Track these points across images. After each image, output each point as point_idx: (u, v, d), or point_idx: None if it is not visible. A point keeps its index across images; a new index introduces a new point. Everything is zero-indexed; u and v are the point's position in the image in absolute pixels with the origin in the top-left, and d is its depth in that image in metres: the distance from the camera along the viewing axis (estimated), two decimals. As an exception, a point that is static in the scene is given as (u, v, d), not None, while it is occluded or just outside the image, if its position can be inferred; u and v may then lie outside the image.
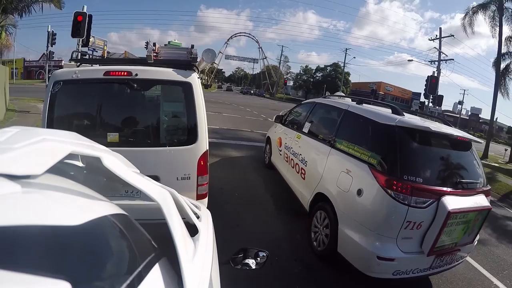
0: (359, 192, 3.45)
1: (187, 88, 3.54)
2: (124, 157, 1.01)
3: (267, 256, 1.80)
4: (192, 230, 1.10)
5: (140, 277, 0.70)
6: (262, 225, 4.91)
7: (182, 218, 1.03)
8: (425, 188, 3.13)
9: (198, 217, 1.22)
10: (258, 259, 1.77)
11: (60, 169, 0.80)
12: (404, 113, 3.81)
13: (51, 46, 16.66)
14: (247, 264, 1.73)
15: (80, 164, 1.04)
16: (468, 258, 4.40)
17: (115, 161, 0.85)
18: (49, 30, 16.37)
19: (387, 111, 3.95)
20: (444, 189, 3.22)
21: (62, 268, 0.52)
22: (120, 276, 0.66)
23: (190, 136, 3.57)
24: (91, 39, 11.40)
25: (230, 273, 1.79)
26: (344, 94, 6.64)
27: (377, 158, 3.45)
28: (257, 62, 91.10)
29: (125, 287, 0.63)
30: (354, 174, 3.66)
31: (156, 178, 3.47)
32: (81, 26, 9.69)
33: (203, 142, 3.59)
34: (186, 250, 0.88)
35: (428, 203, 3.12)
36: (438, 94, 20.44)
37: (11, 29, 20.96)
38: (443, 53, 25.12)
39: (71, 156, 0.84)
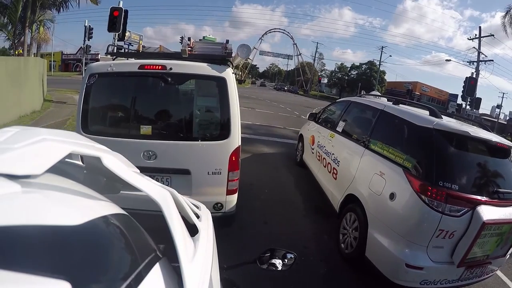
0: (392, 196, 3.33)
1: (221, 83, 3.55)
2: (124, 157, 1.00)
3: (295, 258, 1.76)
4: (192, 230, 1.09)
5: (140, 277, 0.69)
6: (290, 223, 4.88)
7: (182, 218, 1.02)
8: (460, 196, 2.97)
9: (198, 217, 1.21)
10: (286, 260, 1.74)
11: (60, 169, 0.80)
12: (442, 116, 3.63)
13: (88, 40, 17.34)
14: (274, 265, 1.71)
15: (80, 164, 1.04)
16: (499, 272, 4.12)
17: (115, 161, 0.85)
18: (86, 24, 17.06)
19: (424, 113, 3.77)
20: (480, 198, 3.04)
21: (62, 268, 0.52)
22: (120, 276, 0.66)
23: (223, 131, 3.58)
24: (127, 34, 11.72)
25: (255, 270, 1.76)
26: (379, 94, 6.42)
27: (412, 162, 3.31)
28: (292, 59, 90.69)
29: (125, 287, 0.63)
30: (387, 177, 3.54)
31: (187, 172, 3.53)
32: (117, 21, 9.94)
33: (236, 137, 3.60)
34: (186, 250, 0.87)
35: (462, 211, 2.96)
36: (476, 96, 19.40)
37: (49, 24, 22.13)
38: (482, 53, 23.76)
39: (71, 156, 0.85)
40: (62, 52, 58.59)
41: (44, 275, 0.48)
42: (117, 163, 0.85)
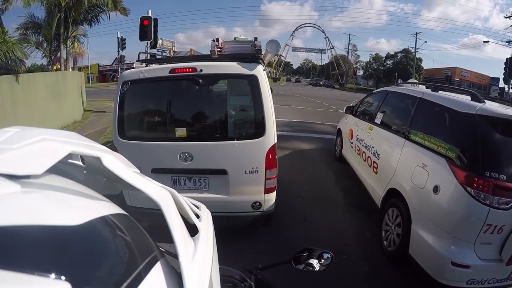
0: (436, 189, 3.13)
1: (253, 81, 3.54)
2: (124, 157, 1.00)
3: (332, 258, 1.70)
4: (192, 230, 1.08)
5: (140, 277, 0.68)
6: (330, 221, 4.77)
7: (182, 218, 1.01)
8: (509, 187, 2.72)
9: (198, 217, 1.19)
10: (322, 260, 1.69)
11: (60, 169, 0.81)
12: (485, 100, 3.36)
13: (122, 50, 18.14)
14: (311, 265, 1.67)
15: (80, 164, 1.05)
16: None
17: (115, 161, 0.84)
18: (119, 36, 17.89)
19: (465, 98, 3.52)
20: None
21: (62, 268, 0.52)
22: (120, 276, 0.65)
23: (258, 129, 3.58)
24: (160, 41, 12.09)
25: (292, 270, 1.72)
26: (417, 81, 6.13)
27: (455, 151, 3.09)
28: (325, 53, 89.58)
29: (125, 287, 0.62)
30: (430, 169, 3.34)
31: (224, 172, 3.56)
32: (147, 30, 10.27)
33: (271, 135, 3.57)
34: (186, 250, 0.86)
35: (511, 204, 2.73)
36: None
37: (82, 39, 23.31)
38: None
39: (71, 156, 0.86)
40: (98, 64, 61.63)
41: (44, 275, 0.48)
42: (117, 163, 0.86)
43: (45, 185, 0.67)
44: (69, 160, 1.03)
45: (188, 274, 0.80)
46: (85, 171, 1.08)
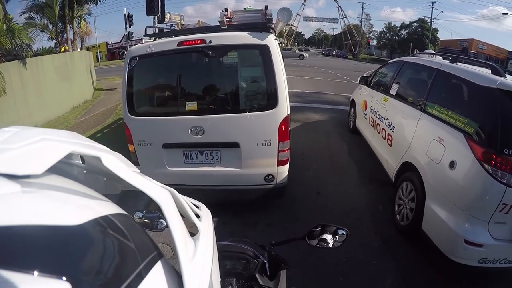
0: (452, 165, 3.07)
1: (264, 51, 3.46)
2: (124, 157, 1.00)
3: (347, 234, 1.69)
4: (192, 230, 1.08)
5: (140, 277, 0.69)
6: (343, 194, 4.79)
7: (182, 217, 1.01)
8: None
9: (198, 217, 1.19)
10: (337, 237, 1.69)
11: (60, 169, 0.81)
12: (506, 75, 3.20)
13: (129, 27, 17.91)
14: (325, 240, 1.66)
15: (80, 164, 1.05)
16: None
17: (115, 161, 0.84)
18: (125, 12, 17.62)
19: (486, 72, 3.35)
20: None
21: (62, 268, 0.52)
22: (120, 276, 0.65)
23: (270, 101, 3.53)
24: (167, 15, 11.91)
25: (305, 246, 1.73)
26: (434, 52, 5.91)
27: (474, 127, 2.99)
28: (337, 22, 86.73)
29: (125, 287, 0.63)
30: (447, 143, 3.27)
31: (236, 144, 3.57)
32: (154, 4, 10.02)
33: (284, 106, 3.52)
34: (186, 250, 0.86)
35: None
36: None
37: (89, 18, 23.17)
38: None
39: (71, 156, 0.87)
40: (106, 42, 61.05)
41: (44, 275, 0.49)
42: (117, 163, 0.85)
43: (45, 185, 0.67)
44: (69, 160, 1.04)
45: (188, 274, 0.81)
46: (85, 171, 1.08)
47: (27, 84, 9.30)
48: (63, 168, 0.92)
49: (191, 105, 3.60)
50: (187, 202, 1.17)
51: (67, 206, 0.67)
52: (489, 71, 3.31)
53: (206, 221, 1.24)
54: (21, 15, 18.14)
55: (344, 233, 1.69)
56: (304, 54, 45.56)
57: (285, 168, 3.83)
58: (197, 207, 1.34)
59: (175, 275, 0.88)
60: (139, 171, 1.01)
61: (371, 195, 4.78)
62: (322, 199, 4.61)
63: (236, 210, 4.11)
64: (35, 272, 0.48)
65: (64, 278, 0.50)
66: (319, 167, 5.70)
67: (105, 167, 0.81)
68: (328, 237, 1.67)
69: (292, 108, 3.87)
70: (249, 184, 3.82)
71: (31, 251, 0.52)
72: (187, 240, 0.94)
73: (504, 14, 36.40)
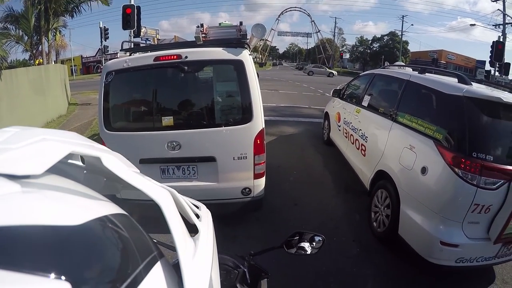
0: (424, 170, 3.18)
1: (239, 66, 3.50)
2: (124, 157, 0.99)
3: (323, 241, 1.72)
4: (192, 230, 1.08)
5: (140, 277, 0.69)
6: (320, 204, 4.83)
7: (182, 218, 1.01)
8: (496, 167, 2.78)
9: (198, 217, 1.19)
10: (314, 243, 1.70)
11: (60, 169, 0.81)
12: (472, 83, 3.40)
13: (105, 40, 17.90)
14: (303, 248, 1.68)
15: (80, 164, 1.04)
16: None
17: (115, 161, 0.84)
18: (101, 26, 17.62)
19: (452, 81, 3.54)
20: None
21: (62, 268, 0.52)
22: (120, 276, 0.65)
23: (245, 115, 3.55)
24: (143, 30, 12.03)
25: (284, 255, 1.74)
26: (404, 64, 6.16)
27: (443, 133, 3.13)
28: (311, 37, 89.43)
29: (125, 287, 0.63)
30: (418, 151, 3.39)
31: (212, 159, 3.55)
32: (130, 18, 10.08)
33: (259, 120, 3.56)
34: (186, 250, 0.86)
35: (498, 184, 2.78)
36: (505, 61, 18.24)
37: (64, 30, 22.91)
38: (507, 15, 22.30)
39: (71, 156, 0.87)
40: (81, 56, 60.00)
41: (44, 275, 0.49)
42: (117, 163, 0.85)
43: (45, 185, 0.67)
44: (69, 160, 1.03)
45: (188, 274, 0.81)
46: (85, 171, 1.09)
47: (0, 96, 8.90)
48: (63, 168, 0.91)
49: (167, 120, 3.58)
50: (187, 202, 1.16)
51: (67, 206, 0.66)
52: (456, 80, 3.49)
53: (206, 221, 1.24)
54: None
55: (321, 239, 1.72)
56: (333, 72, 45.60)
57: (262, 181, 3.84)
58: (197, 207, 1.33)
59: (175, 275, 0.87)
60: (139, 171, 1.00)
61: (348, 204, 4.85)
62: (299, 210, 4.62)
63: (214, 224, 4.04)
64: (35, 272, 0.48)
65: (64, 278, 0.50)
66: (296, 179, 5.73)
67: (105, 167, 0.81)
68: (306, 245, 1.70)
69: (267, 122, 3.91)
70: (227, 197, 3.80)
71: (31, 251, 0.52)
72: (187, 240, 0.93)
73: (472, 25, 38.71)
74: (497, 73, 19.57)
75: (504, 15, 22.34)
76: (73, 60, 50.84)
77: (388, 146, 4.01)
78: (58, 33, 21.21)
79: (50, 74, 13.19)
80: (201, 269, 0.91)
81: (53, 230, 0.56)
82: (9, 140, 0.66)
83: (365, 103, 5.29)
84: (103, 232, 0.72)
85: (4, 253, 0.48)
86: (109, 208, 0.77)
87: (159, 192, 0.90)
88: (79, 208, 0.69)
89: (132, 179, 0.84)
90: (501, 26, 22.75)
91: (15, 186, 0.56)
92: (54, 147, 0.69)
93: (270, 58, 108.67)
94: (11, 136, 0.69)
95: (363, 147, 4.85)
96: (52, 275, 0.49)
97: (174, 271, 0.89)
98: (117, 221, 0.77)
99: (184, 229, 0.94)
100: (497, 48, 16.24)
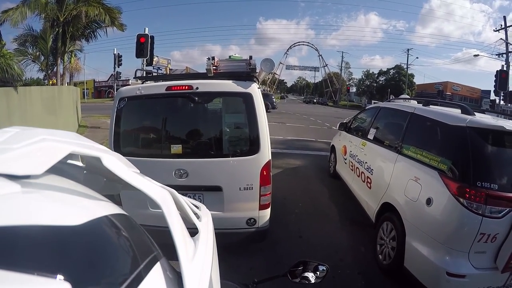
0: (429, 201, 3.15)
1: (248, 98, 3.57)
2: (124, 158, 1.01)
3: (327, 270, 1.69)
4: (192, 230, 1.08)
5: (140, 277, 0.68)
6: (325, 236, 4.74)
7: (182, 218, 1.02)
8: (501, 196, 2.76)
9: (198, 217, 1.19)
10: (318, 273, 1.68)
11: (60, 169, 0.81)
12: (475, 113, 3.44)
13: (118, 67, 18.40)
14: (306, 278, 1.66)
15: (80, 164, 1.06)
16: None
17: (115, 161, 0.85)
18: (115, 52, 18.15)
19: (456, 112, 3.59)
20: None
21: (62, 268, 0.52)
22: (120, 276, 0.65)
23: (253, 147, 3.58)
24: (155, 59, 12.38)
25: (289, 285, 1.72)
26: (409, 97, 6.24)
27: (447, 164, 3.14)
28: (318, 70, 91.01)
29: (125, 287, 0.62)
30: (423, 182, 3.37)
31: (218, 188, 3.55)
32: (144, 47, 10.42)
33: (266, 152, 3.58)
34: (186, 250, 0.86)
35: (504, 212, 2.75)
36: (510, 90, 18.28)
37: (79, 54, 23.64)
38: (510, 44, 22.51)
39: (71, 156, 0.86)
40: (94, 80, 61.57)
41: (44, 275, 0.48)
42: (117, 163, 0.86)
43: (45, 185, 0.67)
44: (69, 160, 1.04)
45: (188, 274, 0.80)
46: (85, 171, 1.09)
47: (13, 112, 9.01)
48: (63, 168, 0.92)
49: (176, 148, 3.63)
50: (187, 202, 1.16)
51: (67, 207, 0.67)
52: (459, 111, 3.54)
53: (206, 221, 1.24)
54: (13, 42, 18.41)
55: (325, 268, 1.70)
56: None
57: (267, 212, 3.81)
58: (197, 207, 1.33)
59: (175, 275, 0.87)
60: (139, 171, 1.01)
61: (353, 237, 4.75)
62: (304, 242, 4.54)
63: (218, 253, 3.98)
64: (35, 272, 0.48)
65: (64, 278, 0.50)
66: (301, 211, 5.66)
67: (105, 168, 0.81)
68: (310, 275, 1.68)
69: (274, 154, 3.94)
70: (231, 227, 3.76)
71: (31, 251, 0.52)
72: (187, 240, 0.93)
73: (476, 55, 38.61)
74: (502, 102, 19.51)
75: (507, 43, 22.56)
76: (86, 83, 52.00)
77: (393, 178, 4.00)
78: (73, 56, 21.83)
79: (63, 95, 13.50)
80: (201, 269, 0.90)
81: (53, 230, 0.56)
82: (10, 140, 0.67)
83: (370, 136, 5.33)
84: (103, 232, 0.72)
85: (4, 253, 0.48)
86: (109, 208, 0.78)
87: (159, 192, 0.90)
88: (79, 208, 0.69)
89: (132, 179, 0.84)
90: (504, 55, 22.90)
91: (15, 186, 0.56)
92: (54, 147, 0.70)
93: (278, 91, 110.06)
94: (11, 136, 0.70)
95: (368, 179, 4.83)
96: (52, 275, 0.49)
97: (174, 271, 0.89)
98: (117, 221, 0.78)
99: (184, 229, 0.93)
100: (501, 77, 16.33)
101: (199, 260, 0.92)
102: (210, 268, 0.96)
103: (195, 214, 1.21)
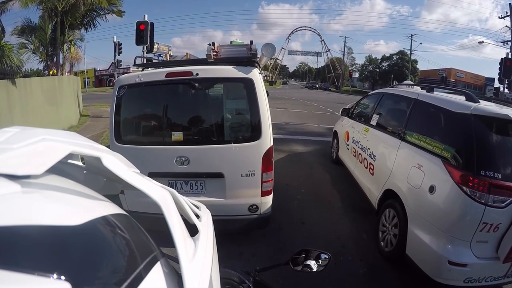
0: (431, 189, 3.14)
1: (249, 84, 3.53)
2: (124, 157, 1.00)
3: (329, 258, 1.70)
4: (192, 230, 1.08)
5: (140, 277, 0.68)
6: (327, 223, 4.77)
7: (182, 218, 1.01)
8: (504, 185, 2.74)
9: (198, 217, 1.19)
10: (320, 261, 1.69)
11: (60, 169, 0.80)
12: (480, 100, 3.39)
13: (118, 55, 18.28)
14: (308, 266, 1.66)
15: (80, 164, 1.05)
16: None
17: (115, 161, 0.84)
18: (115, 40, 18.02)
19: (460, 99, 3.53)
20: None
21: (62, 268, 0.52)
22: (120, 276, 0.65)
23: (254, 133, 3.57)
24: (156, 46, 12.30)
25: (290, 272, 1.72)
26: (412, 83, 6.17)
27: (451, 151, 3.11)
28: (321, 56, 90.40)
29: (125, 287, 0.62)
30: (426, 169, 3.35)
31: (220, 175, 3.55)
32: (144, 34, 10.34)
33: (267, 138, 3.57)
34: (186, 250, 0.86)
35: (507, 202, 2.73)
36: None
37: (79, 43, 23.52)
38: None
39: (71, 156, 0.87)
40: (94, 69, 61.40)
41: (44, 275, 0.48)
42: (117, 163, 0.85)
43: (45, 185, 0.67)
44: (69, 160, 1.03)
45: (188, 274, 0.80)
46: (85, 171, 1.09)
47: (14, 104, 9.13)
48: (63, 168, 0.92)
49: (177, 135, 3.61)
50: (187, 202, 1.16)
51: (67, 207, 0.67)
52: (464, 98, 3.49)
53: (206, 221, 1.24)
54: (12, 34, 18.35)
55: (327, 257, 1.70)
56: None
57: (269, 199, 3.82)
58: (197, 207, 1.33)
59: (175, 275, 0.87)
60: (139, 171, 1.01)
61: (355, 223, 4.78)
62: (306, 228, 4.57)
63: (220, 240, 4.01)
64: (35, 272, 0.48)
65: (64, 278, 0.50)
66: (303, 198, 5.68)
67: (105, 167, 0.81)
68: (312, 263, 1.68)
69: (276, 139, 3.92)
70: (234, 214, 3.78)
71: (31, 251, 0.52)
72: (187, 240, 0.93)
73: (480, 42, 38.10)
74: (506, 90, 19.30)
75: (512, 31, 22.23)
76: (87, 72, 51.82)
77: (396, 165, 3.98)
78: (73, 45, 21.75)
79: (64, 85, 13.54)
80: (201, 269, 0.90)
81: (53, 230, 0.56)
82: (10, 140, 0.66)
83: (373, 122, 5.29)
84: (103, 232, 0.72)
85: (4, 253, 0.48)
86: (109, 208, 0.78)
87: (159, 192, 0.90)
88: (79, 208, 0.69)
89: (132, 179, 0.84)
90: (509, 43, 22.58)
91: (15, 186, 0.56)
92: (54, 147, 0.70)
93: (280, 76, 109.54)
94: (11, 136, 0.69)
95: (371, 166, 4.82)
96: (52, 275, 0.49)
97: (174, 271, 0.89)
98: (117, 221, 0.78)
99: (184, 229, 0.93)
100: (506, 65, 16.08)
101: (199, 260, 0.92)
102: (210, 268, 0.96)
103: (195, 214, 1.21)
